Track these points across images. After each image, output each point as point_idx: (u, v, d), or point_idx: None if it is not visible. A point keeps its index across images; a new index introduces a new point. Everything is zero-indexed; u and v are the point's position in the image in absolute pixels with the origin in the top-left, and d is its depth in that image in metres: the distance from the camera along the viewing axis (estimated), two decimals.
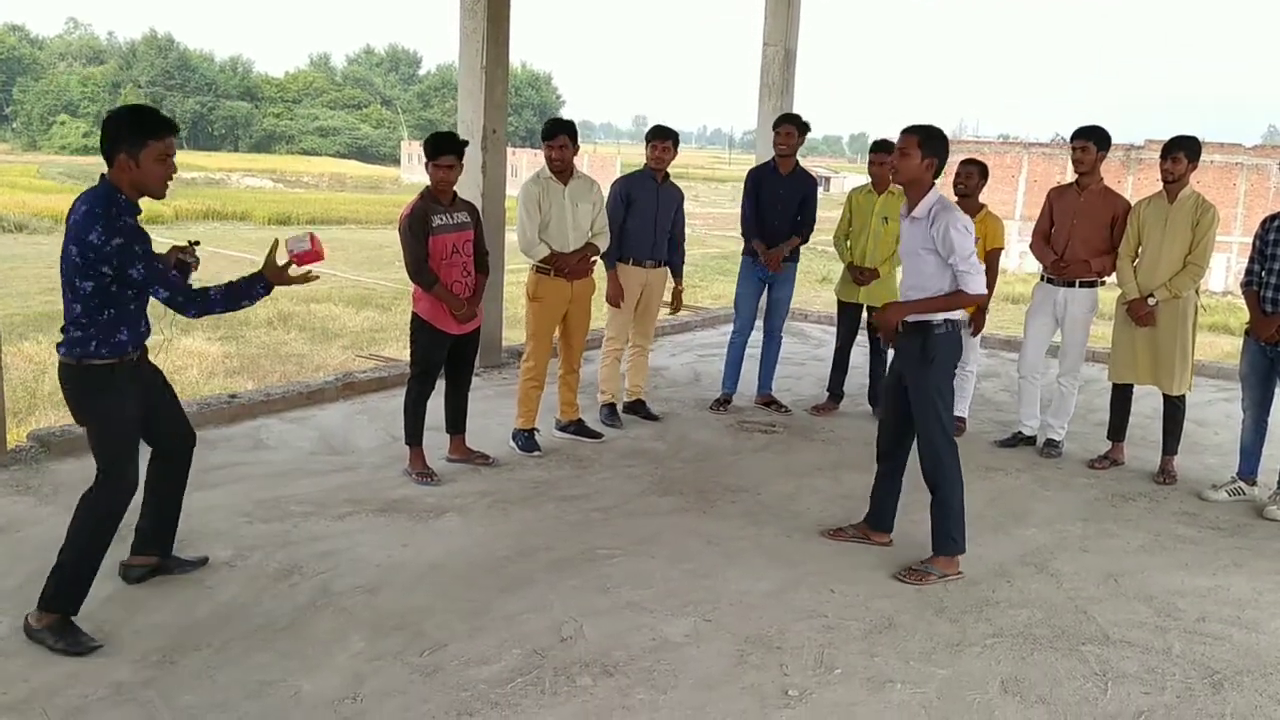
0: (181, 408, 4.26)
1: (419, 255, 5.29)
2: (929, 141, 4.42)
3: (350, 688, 3.48)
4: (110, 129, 3.64)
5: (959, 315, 4.57)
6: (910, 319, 4.54)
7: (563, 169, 5.95)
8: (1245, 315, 5.65)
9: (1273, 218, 5.53)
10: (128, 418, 3.82)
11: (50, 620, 3.68)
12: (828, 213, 9.83)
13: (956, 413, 6.85)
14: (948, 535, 4.59)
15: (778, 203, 6.98)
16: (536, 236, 5.92)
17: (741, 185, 7.33)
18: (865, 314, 7.12)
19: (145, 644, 3.69)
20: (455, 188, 5.44)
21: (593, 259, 6.13)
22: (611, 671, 3.65)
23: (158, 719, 3.25)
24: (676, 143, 6.66)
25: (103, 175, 3.70)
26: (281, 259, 3.83)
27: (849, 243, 7.12)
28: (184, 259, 4.09)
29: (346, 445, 6.07)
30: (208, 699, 3.38)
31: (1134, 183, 35.69)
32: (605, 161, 66.94)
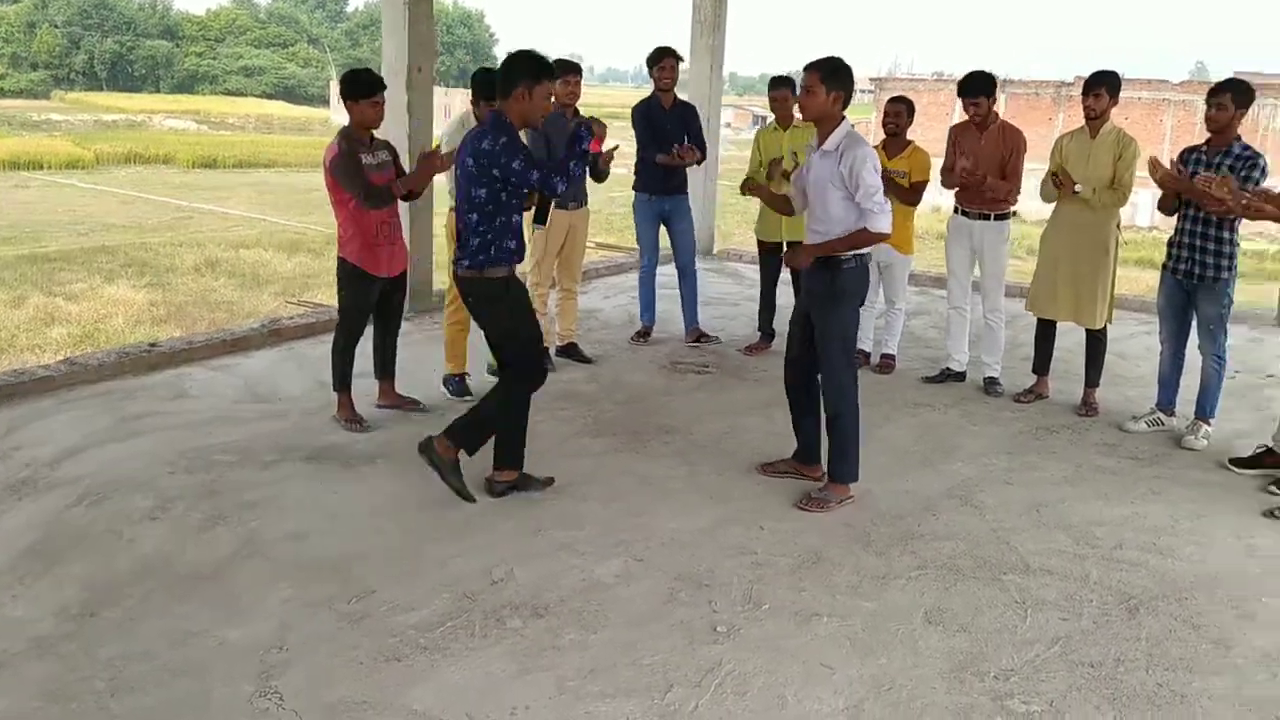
0: None
1: (364, 180, 5.13)
2: (832, 76, 4.43)
3: (277, 636, 3.45)
4: (510, 68, 4.35)
5: (866, 250, 4.63)
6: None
7: None
8: None
9: (1190, 150, 5.60)
10: (529, 319, 4.64)
11: (513, 475, 4.66)
12: (744, 151, 9.80)
13: (887, 350, 6.96)
14: (847, 462, 4.69)
15: (665, 136, 6.96)
16: None
17: None
18: (785, 249, 7.14)
19: (65, 596, 3.63)
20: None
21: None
22: (542, 613, 3.66)
23: (79, 672, 3.21)
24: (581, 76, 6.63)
25: (494, 110, 4.46)
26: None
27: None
28: (591, 128, 4.70)
29: (273, 393, 5.97)
30: (130, 650, 3.34)
31: (1064, 119, 36.04)
32: None
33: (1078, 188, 5.84)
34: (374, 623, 3.55)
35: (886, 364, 6.92)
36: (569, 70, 6.43)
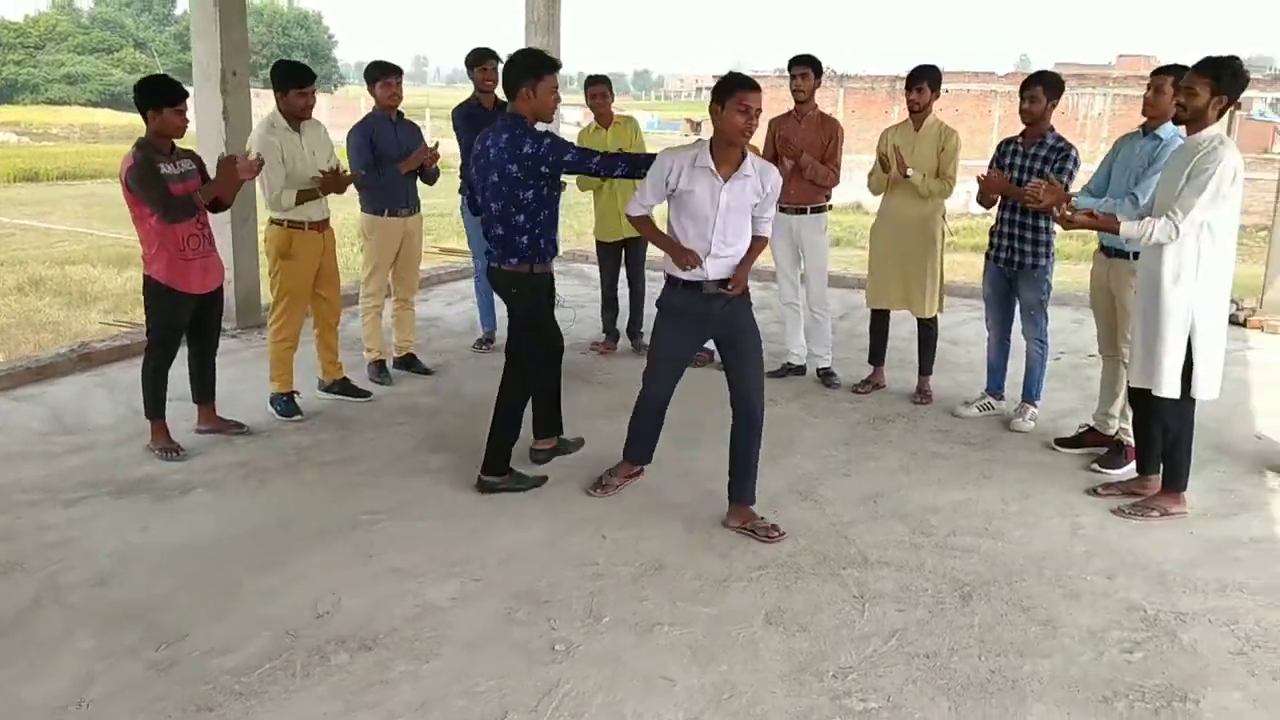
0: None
1: (163, 192, 4.79)
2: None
3: (76, 691, 3.19)
4: (512, 70, 4.52)
5: None
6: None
7: (306, 115, 5.63)
8: None
9: (1008, 142, 5.77)
10: (553, 317, 4.95)
11: (506, 477, 4.81)
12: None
13: None
14: (755, 478, 4.55)
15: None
16: (283, 187, 5.54)
17: None
18: (624, 251, 7.14)
19: None
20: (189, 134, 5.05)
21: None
22: (370, 645, 3.49)
23: None
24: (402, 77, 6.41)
25: (505, 112, 4.60)
26: None
27: (602, 183, 6.96)
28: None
29: (81, 423, 5.57)
30: None
31: (899, 111, 37.21)
32: None
33: (909, 171, 5.93)
34: (184, 670, 3.31)
35: None
36: (388, 72, 6.23)
